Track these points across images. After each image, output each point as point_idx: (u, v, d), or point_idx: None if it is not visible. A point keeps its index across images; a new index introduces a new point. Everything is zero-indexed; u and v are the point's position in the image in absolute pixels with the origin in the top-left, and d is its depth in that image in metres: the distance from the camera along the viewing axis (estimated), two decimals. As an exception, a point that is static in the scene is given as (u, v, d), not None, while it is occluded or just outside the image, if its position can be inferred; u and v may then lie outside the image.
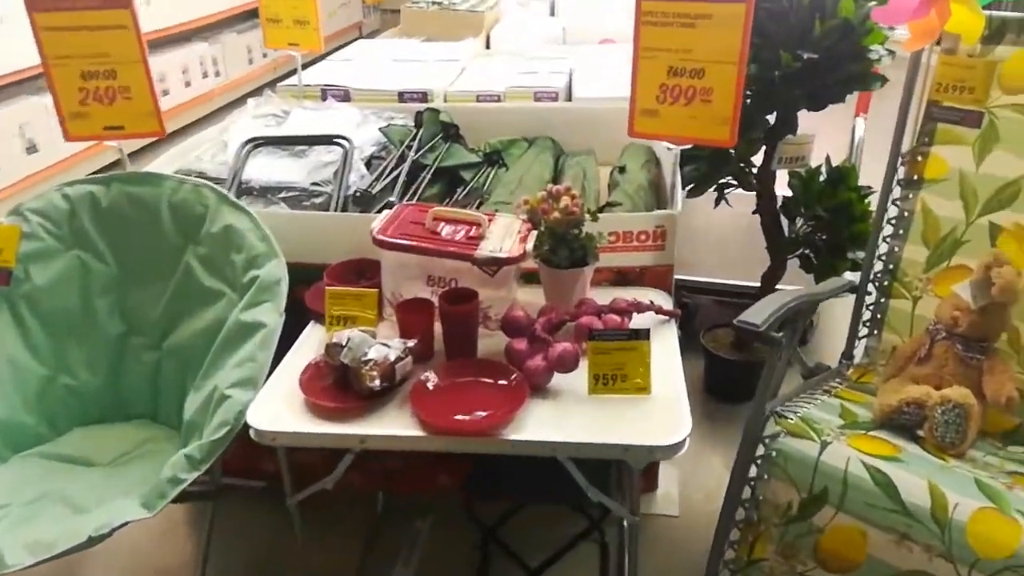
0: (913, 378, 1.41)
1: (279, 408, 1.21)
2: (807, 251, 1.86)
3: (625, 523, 1.18)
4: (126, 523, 1.18)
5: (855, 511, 1.17)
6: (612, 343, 1.18)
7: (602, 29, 3.02)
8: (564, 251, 1.37)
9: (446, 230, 1.36)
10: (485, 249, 1.30)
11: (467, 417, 1.14)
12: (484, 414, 1.14)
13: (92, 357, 1.60)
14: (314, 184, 1.77)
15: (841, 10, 1.60)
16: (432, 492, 1.76)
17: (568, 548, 1.47)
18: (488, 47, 3.17)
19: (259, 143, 1.88)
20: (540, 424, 1.14)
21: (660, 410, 1.16)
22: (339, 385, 1.22)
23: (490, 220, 1.40)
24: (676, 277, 1.55)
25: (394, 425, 1.15)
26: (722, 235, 2.32)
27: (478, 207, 1.79)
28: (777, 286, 1.95)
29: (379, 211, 1.67)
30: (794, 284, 2.03)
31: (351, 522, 1.72)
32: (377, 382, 1.17)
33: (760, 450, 1.29)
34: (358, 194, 1.67)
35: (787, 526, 1.25)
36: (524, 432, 1.12)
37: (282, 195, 1.76)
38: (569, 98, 2.40)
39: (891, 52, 1.68)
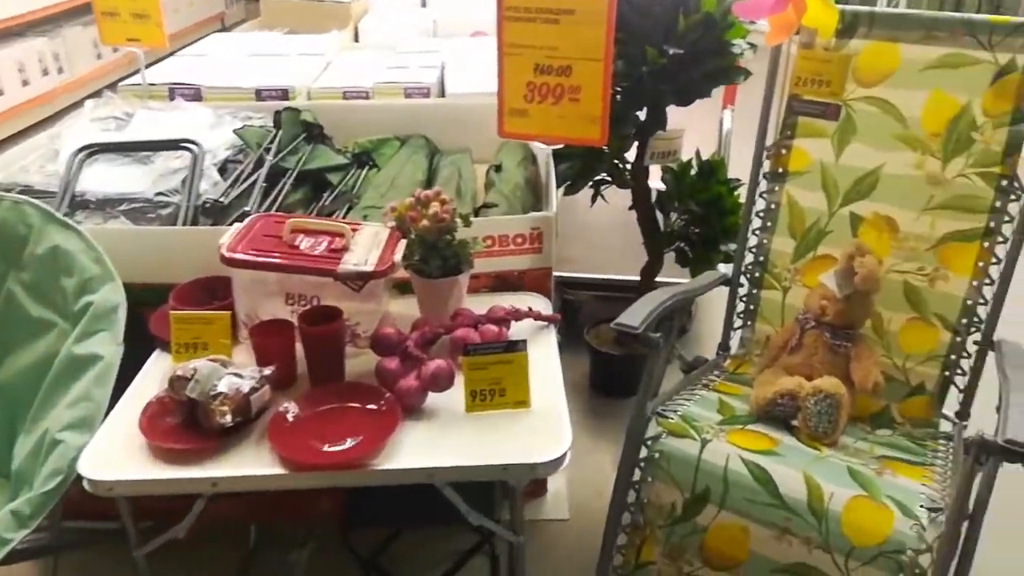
0: (786, 368, 1.43)
1: (117, 453, 1.07)
2: (683, 245, 1.87)
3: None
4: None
5: (736, 508, 1.17)
6: (488, 357, 1.12)
7: (474, 21, 2.95)
8: (436, 260, 1.30)
9: (305, 243, 1.26)
10: (349, 262, 1.21)
11: (333, 448, 1.05)
12: (352, 444, 1.06)
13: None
14: (159, 194, 1.61)
15: (703, 5, 1.61)
16: (310, 520, 1.65)
17: (458, 567, 1.41)
18: (356, 40, 3.05)
19: (95, 150, 1.70)
20: (415, 449, 1.06)
21: (540, 423, 1.11)
22: (187, 423, 1.10)
23: (355, 230, 1.31)
24: (558, 275, 1.52)
25: (250, 464, 1.04)
26: (602, 231, 2.31)
27: (347, 212, 1.69)
28: (657, 279, 1.95)
29: (234, 222, 1.54)
30: (673, 277, 2.05)
31: (220, 560, 1.59)
32: (228, 417, 1.06)
33: (643, 452, 1.27)
34: (208, 204, 1.53)
35: (672, 527, 1.23)
36: (397, 460, 1.04)
37: (123, 208, 1.59)
38: (442, 94, 2.32)
39: (753, 46, 1.71)
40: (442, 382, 1.12)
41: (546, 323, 1.35)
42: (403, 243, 1.29)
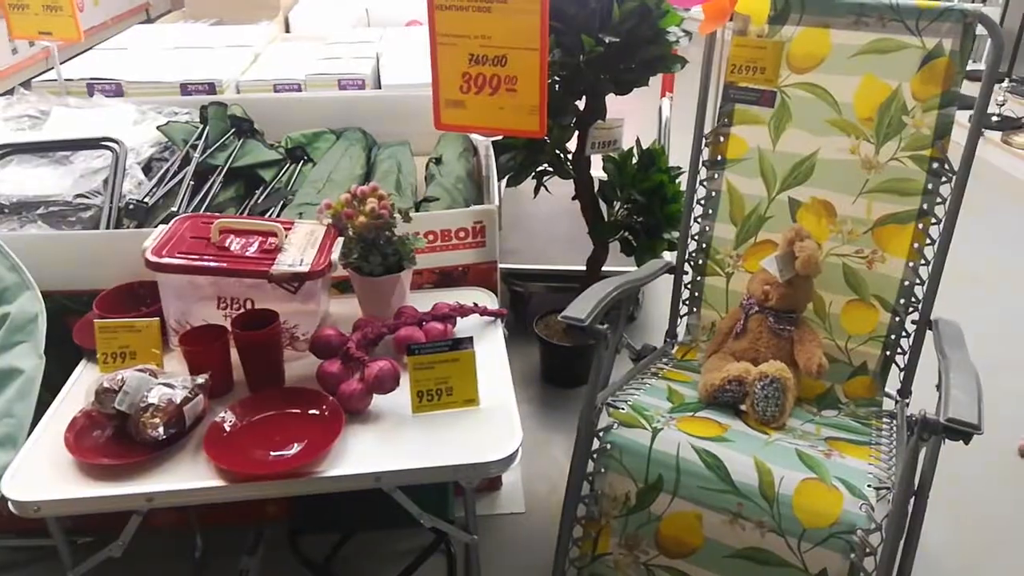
0: (732, 353, 1.44)
1: (43, 470, 1.01)
2: (627, 234, 1.86)
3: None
4: None
5: (689, 495, 1.17)
6: (434, 356, 1.09)
7: (409, 10, 2.89)
8: (376, 257, 1.26)
9: (236, 244, 1.20)
10: (283, 263, 1.16)
11: (275, 456, 1.01)
12: (294, 451, 1.02)
13: None
14: (79, 196, 1.53)
15: (638, -8, 1.60)
16: (258, 524, 1.59)
17: (414, 567, 1.37)
18: (287, 31, 2.95)
19: (8, 151, 1.59)
20: (361, 454, 1.03)
21: (490, 422, 1.08)
22: (117, 437, 1.04)
23: (288, 229, 1.26)
24: (505, 266, 1.49)
25: (187, 477, 0.99)
26: (547, 221, 2.30)
27: (281, 210, 1.63)
28: (603, 268, 1.95)
29: (160, 224, 1.47)
30: (619, 266, 2.05)
31: (168, 572, 1.52)
32: (161, 430, 1.00)
33: (595, 444, 1.26)
34: (131, 206, 1.45)
35: (627, 517, 1.23)
36: (343, 465, 1.01)
37: (40, 212, 1.50)
38: (378, 85, 2.27)
39: (688, 33, 1.71)
40: (386, 383, 1.08)
41: (493, 318, 1.32)
42: (340, 241, 1.24)
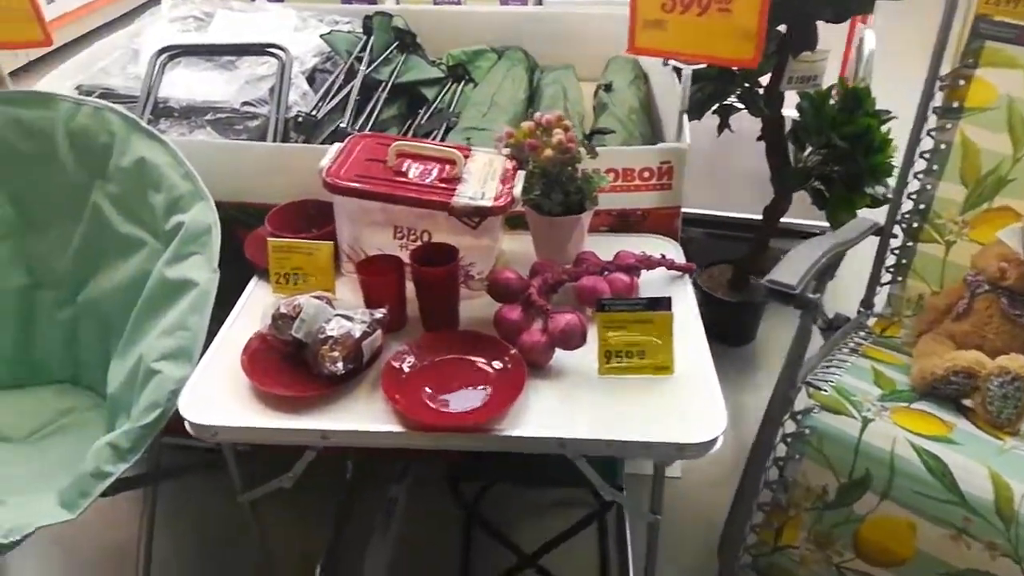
0: (951, 336, 1.24)
1: (219, 393, 0.97)
2: (818, 184, 1.65)
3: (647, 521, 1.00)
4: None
5: (903, 500, 1.02)
6: (626, 314, 0.97)
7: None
8: (558, 195, 1.13)
9: (414, 170, 1.11)
10: (463, 195, 1.06)
11: (455, 409, 0.93)
12: (476, 403, 0.93)
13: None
14: (247, 104, 1.47)
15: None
16: (410, 456, 1.56)
17: (570, 534, 1.30)
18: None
19: (177, 52, 1.55)
20: (543, 414, 0.93)
21: (686, 394, 0.96)
22: (291, 364, 0.99)
23: (466, 157, 1.15)
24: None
25: (363, 417, 0.92)
26: (716, 160, 2.09)
27: (446, 133, 1.53)
28: (784, 219, 1.76)
29: (327, 139, 1.40)
30: (799, 218, 1.85)
31: (319, 495, 1.52)
32: (340, 365, 0.93)
33: (790, 426, 1.11)
34: (300, 119, 1.38)
35: (822, 512, 1.09)
36: (524, 426, 0.91)
37: (208, 118, 1.46)
38: (539, 1, 2.10)
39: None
40: (574, 339, 0.97)
41: (680, 273, 1.18)
42: (521, 175, 1.12)
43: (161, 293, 1.15)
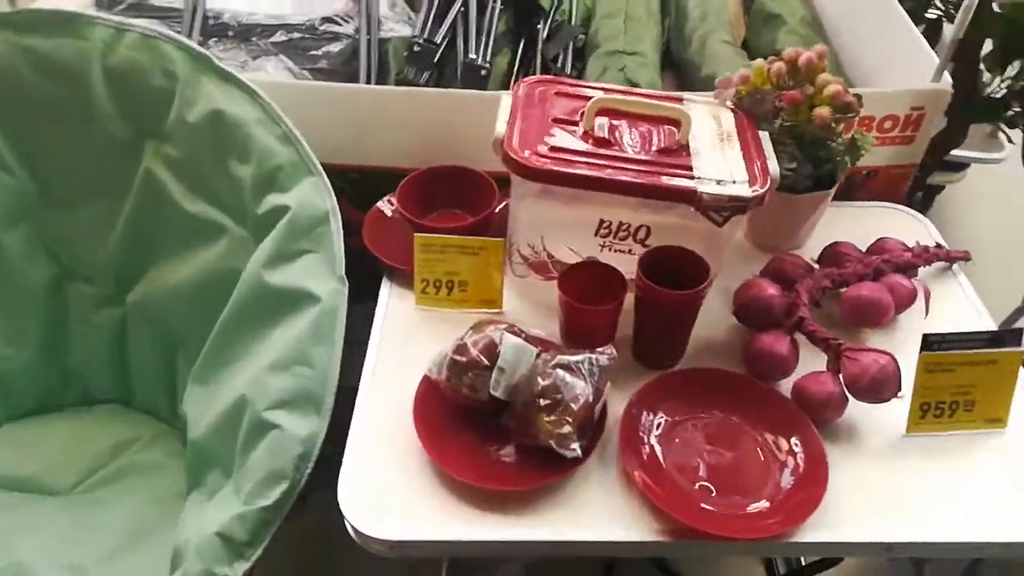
0: None
1: (385, 479, 0.69)
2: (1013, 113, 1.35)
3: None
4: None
5: None
6: (962, 354, 0.70)
7: None
8: (806, 166, 0.83)
9: (631, 137, 0.79)
10: (706, 176, 0.75)
11: (732, 504, 0.66)
12: (760, 498, 0.67)
13: (11, 319, 1.01)
14: (328, 21, 1.12)
15: None
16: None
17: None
18: None
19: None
20: (846, 498, 0.67)
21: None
22: (486, 429, 0.71)
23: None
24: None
25: (600, 515, 0.66)
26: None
27: (575, 58, 1.20)
28: (955, 153, 1.46)
29: (454, 77, 1.05)
30: (975, 151, 1.54)
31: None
32: (576, 446, 0.66)
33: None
34: (418, 47, 1.03)
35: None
36: (828, 524, 0.65)
37: (277, 38, 1.11)
38: None
39: None
40: (888, 390, 0.70)
41: (949, 263, 0.90)
42: (765, 138, 0.82)
43: (263, 305, 0.85)
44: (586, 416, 0.68)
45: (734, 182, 0.75)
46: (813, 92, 0.79)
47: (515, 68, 1.18)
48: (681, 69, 1.24)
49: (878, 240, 0.87)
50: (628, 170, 0.75)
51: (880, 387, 0.69)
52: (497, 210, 0.88)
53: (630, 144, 0.78)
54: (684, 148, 0.78)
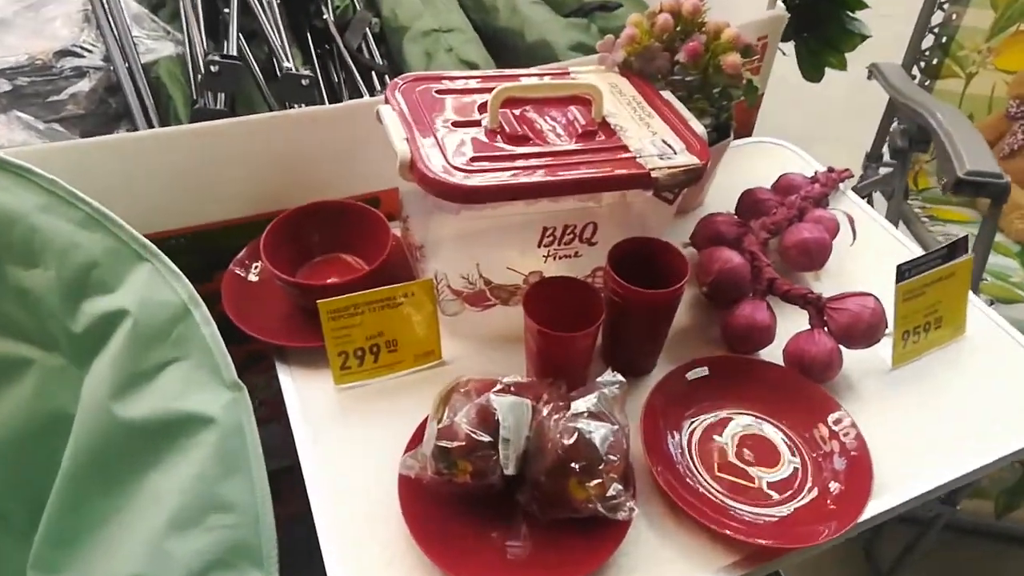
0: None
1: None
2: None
3: None
4: None
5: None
6: (925, 276, 0.69)
7: None
8: (706, 119, 0.78)
9: (543, 125, 0.67)
10: (646, 153, 0.66)
11: (782, 507, 0.60)
12: (807, 494, 0.61)
13: None
14: (65, 55, 0.86)
15: None
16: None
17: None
18: None
19: None
20: (888, 454, 0.64)
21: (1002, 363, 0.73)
22: (499, 517, 0.58)
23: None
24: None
25: (680, 566, 0.57)
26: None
27: (378, 46, 1.05)
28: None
29: (220, 105, 0.85)
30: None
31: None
32: (631, 503, 0.55)
33: None
34: (215, 66, 0.81)
35: None
36: (893, 488, 0.62)
37: (4, 90, 0.83)
38: None
39: None
40: (878, 332, 0.68)
41: (839, 180, 0.91)
42: (672, 99, 0.74)
43: (125, 450, 0.62)
44: (627, 465, 0.57)
45: (675, 153, 0.67)
46: (708, 40, 0.73)
47: (316, 69, 1.00)
48: (499, 41, 1.13)
49: (781, 177, 0.85)
50: (565, 165, 0.63)
51: (875, 331, 0.67)
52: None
53: (550, 134, 0.67)
54: (605, 127, 0.69)
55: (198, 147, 0.71)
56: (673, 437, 0.63)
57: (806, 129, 1.05)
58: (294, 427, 0.65)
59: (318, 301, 0.63)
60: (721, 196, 0.86)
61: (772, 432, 0.64)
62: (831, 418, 0.64)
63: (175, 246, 0.75)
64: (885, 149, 1.32)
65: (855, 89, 1.26)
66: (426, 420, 0.59)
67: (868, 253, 0.82)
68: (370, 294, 0.64)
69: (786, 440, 0.64)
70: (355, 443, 0.63)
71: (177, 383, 0.62)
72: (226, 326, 0.65)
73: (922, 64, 1.27)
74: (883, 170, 1.26)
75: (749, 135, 1.04)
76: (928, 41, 1.26)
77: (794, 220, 0.78)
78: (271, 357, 0.70)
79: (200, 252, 0.76)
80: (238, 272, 0.74)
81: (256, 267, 0.73)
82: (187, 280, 0.64)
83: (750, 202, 0.81)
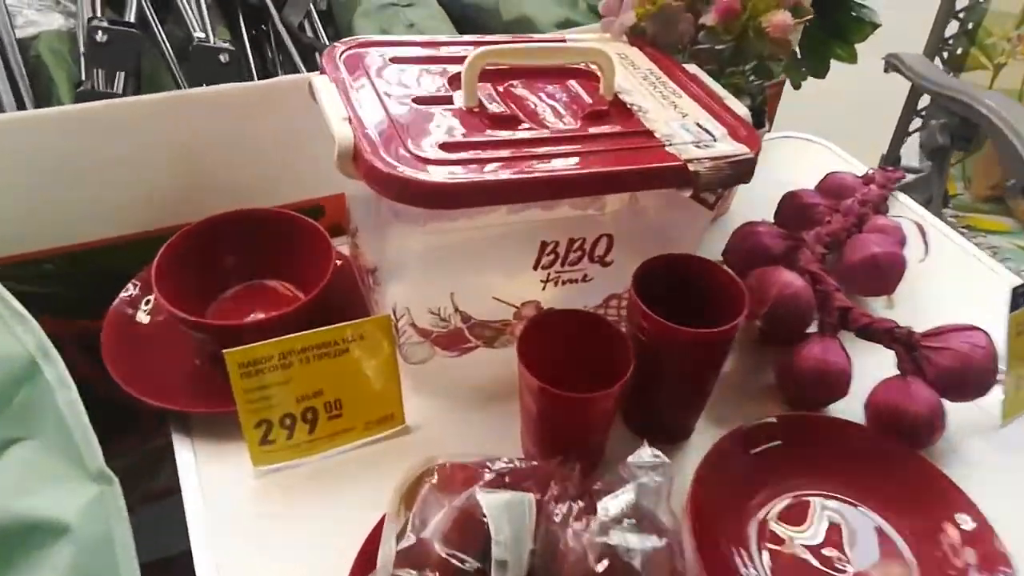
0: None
1: None
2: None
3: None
4: None
5: None
6: (1046, 300, 0.53)
7: None
8: (743, 98, 0.61)
9: (538, 106, 0.50)
10: (679, 140, 0.49)
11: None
12: None
13: None
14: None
15: None
16: None
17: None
18: None
19: None
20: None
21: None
22: None
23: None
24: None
25: None
26: None
27: (325, 23, 0.87)
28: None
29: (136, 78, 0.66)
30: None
31: None
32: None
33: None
34: (103, 36, 0.61)
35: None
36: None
37: None
38: None
39: None
40: (992, 375, 0.51)
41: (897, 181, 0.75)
42: (700, 72, 0.57)
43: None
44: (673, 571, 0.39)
45: (715, 140, 0.49)
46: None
47: (247, 47, 0.81)
48: (468, 18, 0.96)
49: (828, 177, 0.68)
50: (568, 154, 0.45)
51: (987, 376, 0.50)
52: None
53: (548, 115, 0.49)
54: (619, 106, 0.51)
55: (71, 139, 0.51)
56: (738, 553, 0.44)
57: (809, 128, 0.91)
58: (192, 533, 0.45)
59: (224, 351, 0.44)
60: (751, 201, 0.69)
61: (865, 524, 0.47)
62: (960, 518, 0.46)
63: (40, 273, 0.55)
64: (903, 151, 1.18)
65: (864, 84, 1.11)
66: (382, 521, 0.41)
67: (940, 272, 0.65)
68: (303, 337, 0.46)
69: (900, 541, 0.46)
70: (277, 559, 0.44)
71: (18, 473, 0.43)
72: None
73: (945, 54, 1.13)
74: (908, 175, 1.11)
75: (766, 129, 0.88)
76: (952, 28, 1.12)
77: (852, 231, 0.61)
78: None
79: (76, 282, 0.57)
80: (125, 310, 0.54)
81: (149, 302, 0.54)
82: (36, 323, 0.45)
83: (795, 208, 0.64)
